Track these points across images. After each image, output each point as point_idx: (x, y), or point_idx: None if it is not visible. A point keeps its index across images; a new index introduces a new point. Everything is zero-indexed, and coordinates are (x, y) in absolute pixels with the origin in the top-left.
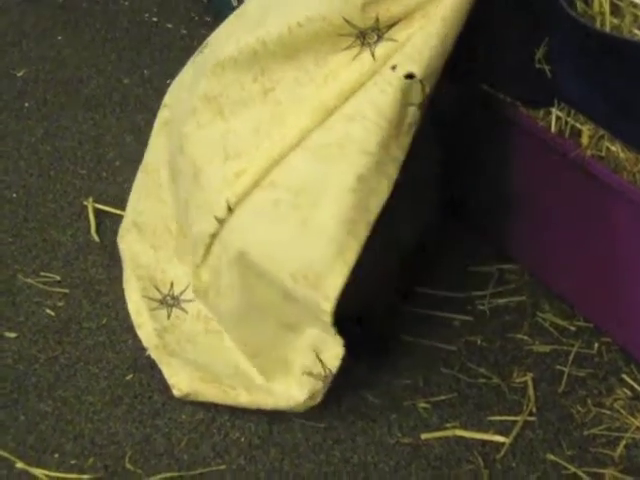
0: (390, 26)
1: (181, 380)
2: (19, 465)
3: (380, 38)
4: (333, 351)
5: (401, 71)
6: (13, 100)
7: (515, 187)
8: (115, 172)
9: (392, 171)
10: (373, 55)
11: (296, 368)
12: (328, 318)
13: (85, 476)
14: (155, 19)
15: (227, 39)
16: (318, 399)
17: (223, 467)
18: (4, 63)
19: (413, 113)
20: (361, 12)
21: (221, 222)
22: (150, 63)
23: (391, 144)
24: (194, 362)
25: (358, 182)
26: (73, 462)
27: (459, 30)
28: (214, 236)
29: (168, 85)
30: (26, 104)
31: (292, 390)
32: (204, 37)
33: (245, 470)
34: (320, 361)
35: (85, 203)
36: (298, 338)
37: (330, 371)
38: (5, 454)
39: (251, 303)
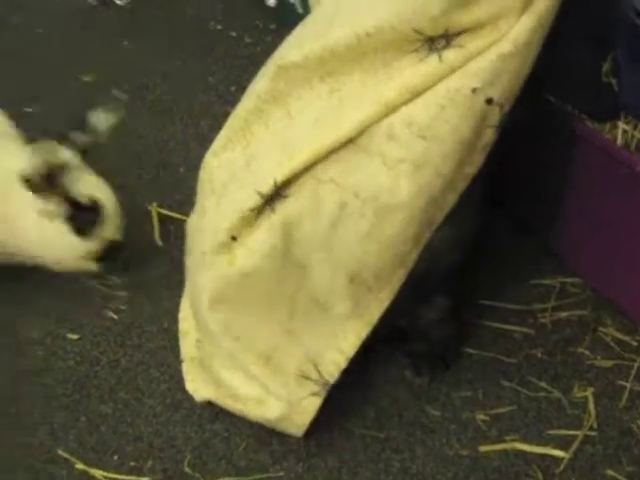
0: (459, 33)
1: (200, 388)
2: (79, 466)
3: (448, 44)
4: (331, 363)
5: (482, 96)
6: (79, 104)
7: (579, 201)
8: (179, 178)
9: (461, 186)
10: (440, 58)
11: (292, 372)
12: (373, 319)
13: (144, 478)
14: (220, 27)
15: (292, 46)
16: (315, 406)
17: (281, 474)
18: (71, 68)
19: (490, 134)
20: (431, 23)
21: (265, 198)
22: (215, 70)
23: (465, 163)
24: (216, 378)
25: (429, 203)
26: (132, 464)
27: (537, 52)
28: (253, 210)
29: (232, 92)
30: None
31: (291, 393)
32: (268, 45)
33: (302, 478)
34: (318, 371)
35: (149, 208)
36: (296, 346)
37: (327, 380)
38: (65, 455)
39: (274, 296)
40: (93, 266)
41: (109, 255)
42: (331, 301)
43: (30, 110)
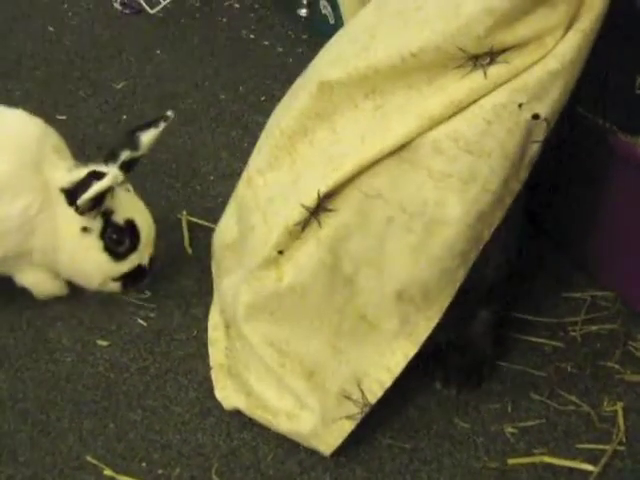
0: (503, 51)
1: (230, 396)
2: (107, 472)
3: (493, 61)
4: (376, 381)
5: (528, 112)
6: (111, 112)
7: (612, 215)
8: (209, 186)
9: (508, 201)
10: (485, 74)
11: (334, 390)
12: (421, 338)
13: None
14: (252, 36)
15: (333, 63)
16: (349, 429)
17: None
18: (104, 75)
19: (536, 149)
20: (476, 42)
21: (310, 211)
22: (246, 79)
23: (512, 179)
24: (247, 388)
25: (477, 219)
26: (160, 472)
27: (582, 68)
28: (298, 224)
29: (263, 102)
30: (124, 116)
31: (328, 411)
32: (300, 55)
33: None
34: (360, 390)
35: (179, 216)
36: (341, 363)
37: (368, 401)
38: (94, 461)
39: (322, 312)
40: (117, 288)
41: (135, 279)
42: (379, 318)
43: (64, 118)
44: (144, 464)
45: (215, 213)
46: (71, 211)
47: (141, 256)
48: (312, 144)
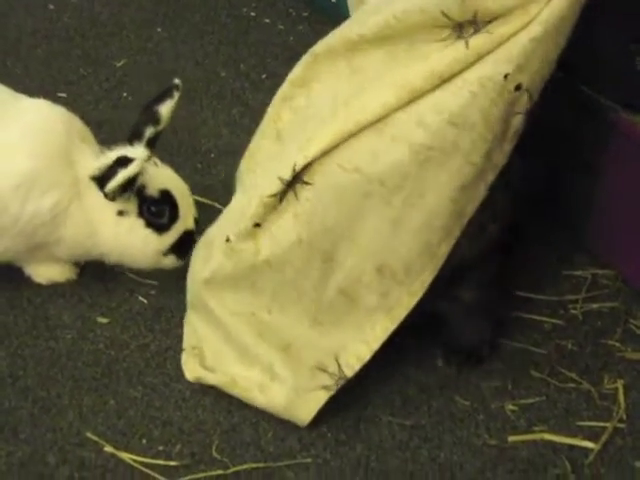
0: (488, 21)
1: (193, 369)
2: (107, 449)
3: (476, 31)
4: (354, 355)
5: (512, 82)
6: (112, 89)
7: (613, 191)
8: (210, 163)
9: (491, 177)
10: (467, 44)
11: (310, 363)
12: (402, 313)
13: (172, 462)
14: (253, 14)
15: (333, 32)
16: (323, 399)
17: (309, 460)
18: (104, 53)
19: (519, 121)
20: (460, 6)
21: (285, 184)
22: (247, 57)
23: (495, 152)
24: (213, 364)
25: (459, 192)
26: (160, 448)
27: (567, 37)
28: (273, 196)
29: (264, 79)
30: (124, 94)
31: (301, 382)
32: (301, 33)
33: (330, 464)
34: (337, 364)
35: None
36: (320, 335)
37: (345, 374)
38: (94, 438)
39: (299, 285)
40: (171, 261)
41: (185, 246)
42: (358, 293)
43: (64, 95)
44: (144, 441)
45: (216, 190)
46: (103, 197)
47: (185, 222)
48: (292, 110)
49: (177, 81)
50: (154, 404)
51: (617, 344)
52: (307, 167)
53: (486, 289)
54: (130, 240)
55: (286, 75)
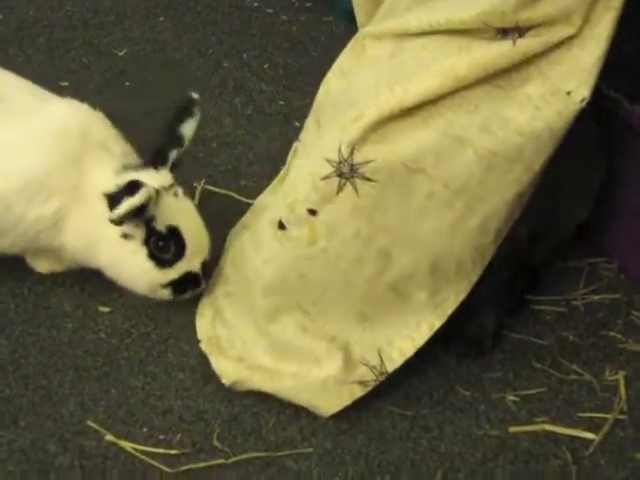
0: (531, 27)
1: (228, 368)
2: (108, 437)
3: (521, 36)
4: (398, 350)
5: (577, 96)
6: (114, 79)
7: (617, 185)
8: (212, 153)
9: (538, 180)
10: (514, 43)
11: (353, 357)
12: (448, 311)
13: (173, 451)
14: (256, 4)
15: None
16: (357, 395)
17: (309, 450)
18: (106, 42)
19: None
20: (500, 18)
21: (334, 166)
22: (249, 47)
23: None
24: (240, 351)
25: (516, 197)
26: (161, 437)
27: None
28: (325, 179)
29: (267, 69)
30: (127, 83)
31: (341, 373)
32: (304, 23)
33: (331, 454)
34: (380, 358)
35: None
36: (365, 330)
37: (386, 369)
38: (95, 426)
39: (351, 279)
40: (167, 294)
41: (186, 286)
42: (409, 289)
43: (66, 85)
44: (145, 429)
45: (218, 180)
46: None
47: (190, 263)
48: (327, 93)
49: (195, 95)
50: (155, 393)
51: (618, 335)
52: (369, 162)
53: (494, 290)
54: (129, 265)
55: (288, 65)
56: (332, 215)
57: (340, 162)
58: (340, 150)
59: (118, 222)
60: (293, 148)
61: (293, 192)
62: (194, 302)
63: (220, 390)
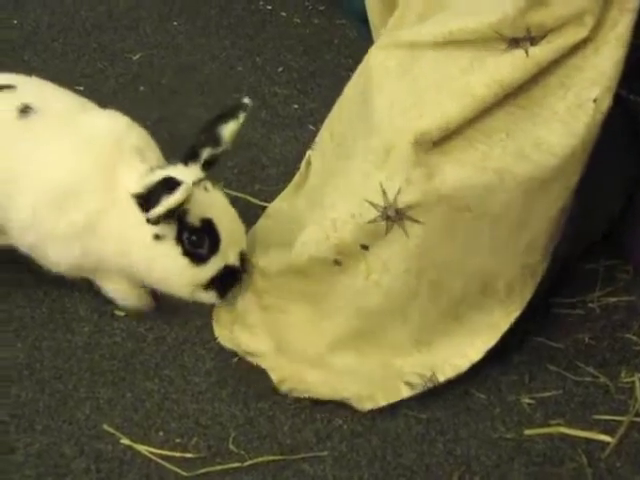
0: (544, 35)
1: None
2: (124, 441)
3: (534, 44)
4: (453, 366)
5: (602, 104)
6: (128, 83)
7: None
8: (226, 156)
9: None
10: (527, 52)
11: (405, 370)
12: (502, 329)
13: (188, 455)
14: (269, 7)
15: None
16: (404, 394)
17: (325, 453)
18: (120, 47)
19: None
20: (511, 24)
21: (380, 210)
22: (263, 50)
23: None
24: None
25: (559, 212)
26: (177, 441)
27: None
28: (372, 222)
29: (280, 73)
30: (141, 88)
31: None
32: (317, 26)
33: (346, 457)
34: (432, 373)
35: None
36: (420, 353)
37: (437, 378)
38: (111, 430)
39: (406, 312)
40: (211, 297)
41: (227, 282)
42: (462, 312)
43: (81, 89)
44: (161, 433)
45: (231, 184)
46: (142, 217)
47: (225, 256)
48: (341, 107)
49: (247, 100)
50: (171, 397)
51: (634, 338)
52: (415, 207)
53: None
54: (164, 266)
55: (302, 68)
56: (384, 250)
57: (385, 207)
58: (384, 193)
59: (155, 222)
60: (307, 156)
61: (336, 232)
62: (211, 306)
63: (235, 393)
